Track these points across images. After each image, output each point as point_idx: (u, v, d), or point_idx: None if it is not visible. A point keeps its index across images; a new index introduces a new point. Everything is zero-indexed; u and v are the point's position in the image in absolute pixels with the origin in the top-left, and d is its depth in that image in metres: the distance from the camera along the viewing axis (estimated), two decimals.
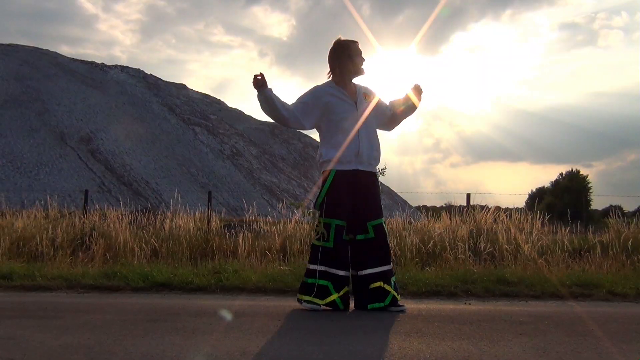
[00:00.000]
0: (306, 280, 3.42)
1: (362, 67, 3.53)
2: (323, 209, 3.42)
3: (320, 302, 3.33)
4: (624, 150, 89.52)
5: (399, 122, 3.75)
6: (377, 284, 3.37)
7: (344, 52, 3.49)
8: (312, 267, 3.41)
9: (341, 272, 3.37)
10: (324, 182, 3.46)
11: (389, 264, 3.46)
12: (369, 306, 3.38)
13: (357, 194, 3.42)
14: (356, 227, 3.44)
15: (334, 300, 3.35)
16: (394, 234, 6.35)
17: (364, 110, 3.49)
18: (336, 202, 3.40)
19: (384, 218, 3.53)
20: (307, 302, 3.36)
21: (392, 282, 3.44)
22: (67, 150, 28.47)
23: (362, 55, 3.54)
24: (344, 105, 3.47)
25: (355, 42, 3.55)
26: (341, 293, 3.37)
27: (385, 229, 3.51)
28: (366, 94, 3.57)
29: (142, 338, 2.62)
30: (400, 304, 3.43)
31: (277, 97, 3.39)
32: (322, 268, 3.36)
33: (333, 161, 3.41)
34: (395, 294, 3.41)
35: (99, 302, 3.78)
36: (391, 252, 3.68)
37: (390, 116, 3.68)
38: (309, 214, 6.82)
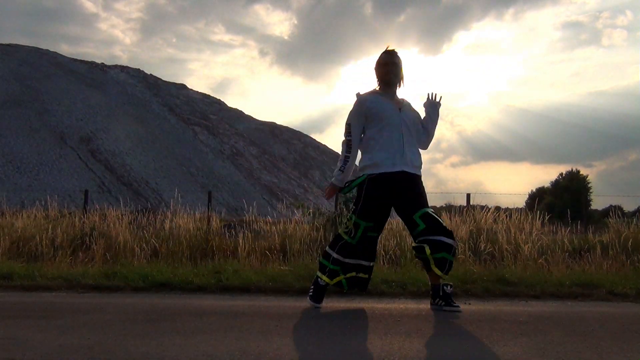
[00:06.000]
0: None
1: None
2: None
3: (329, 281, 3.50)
4: (625, 150, 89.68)
5: None
6: None
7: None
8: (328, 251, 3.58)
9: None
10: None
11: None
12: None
13: None
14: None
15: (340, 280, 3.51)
16: (394, 234, 6.35)
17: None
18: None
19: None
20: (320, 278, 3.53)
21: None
22: (67, 150, 28.48)
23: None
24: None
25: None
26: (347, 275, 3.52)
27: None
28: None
29: (142, 338, 2.62)
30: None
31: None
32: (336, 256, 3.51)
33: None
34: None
35: (99, 302, 3.78)
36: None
37: None
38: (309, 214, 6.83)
